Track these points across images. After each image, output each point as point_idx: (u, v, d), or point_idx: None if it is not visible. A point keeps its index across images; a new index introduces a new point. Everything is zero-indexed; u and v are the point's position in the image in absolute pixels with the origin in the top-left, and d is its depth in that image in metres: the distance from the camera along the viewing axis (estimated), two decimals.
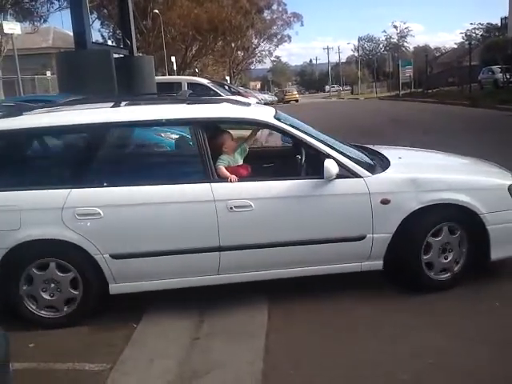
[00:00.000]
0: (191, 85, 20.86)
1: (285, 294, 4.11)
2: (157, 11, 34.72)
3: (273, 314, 3.88)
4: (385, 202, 3.89)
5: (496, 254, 4.08)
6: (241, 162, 4.25)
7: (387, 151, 4.79)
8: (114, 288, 3.84)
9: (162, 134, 9.13)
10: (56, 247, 3.73)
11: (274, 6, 54.13)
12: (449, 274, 4.10)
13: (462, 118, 17.19)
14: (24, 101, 8.76)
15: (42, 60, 31.75)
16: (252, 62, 64.36)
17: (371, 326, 3.66)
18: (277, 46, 61.57)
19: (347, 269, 4.04)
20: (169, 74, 31.64)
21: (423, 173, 4.17)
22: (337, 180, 3.83)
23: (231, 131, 4.40)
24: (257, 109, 4.43)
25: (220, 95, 20.68)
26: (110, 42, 34.43)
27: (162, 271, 3.86)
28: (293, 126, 4.12)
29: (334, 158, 3.87)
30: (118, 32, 34.06)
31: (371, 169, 4.06)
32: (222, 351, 3.45)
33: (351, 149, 4.58)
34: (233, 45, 50.81)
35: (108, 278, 3.80)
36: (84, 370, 3.28)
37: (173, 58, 34.84)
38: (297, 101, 52.64)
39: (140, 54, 16.81)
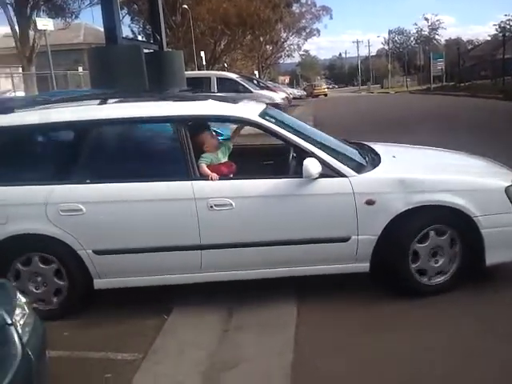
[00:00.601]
0: (220, 79, 20.97)
1: (314, 289, 4.10)
2: (186, 6, 34.86)
3: (301, 309, 3.88)
4: (370, 202, 3.75)
5: (491, 258, 3.87)
6: (224, 159, 4.18)
7: (384, 149, 4.61)
8: (98, 283, 3.90)
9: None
10: (41, 242, 3.80)
11: (303, 0, 53.81)
12: (445, 277, 3.94)
13: (499, 113, 16.81)
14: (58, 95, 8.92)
15: (73, 56, 32.27)
16: (281, 56, 64.24)
17: (398, 324, 3.63)
18: (305, 39, 61.37)
19: (333, 270, 3.94)
20: (198, 69, 31.77)
21: (413, 173, 3.99)
22: (320, 179, 3.74)
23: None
24: (242, 106, 4.28)
25: (249, 89, 20.78)
26: (140, 38, 34.72)
27: (144, 268, 3.89)
28: (278, 124, 4.03)
29: (317, 157, 3.77)
30: (147, 27, 34.34)
31: (358, 168, 3.93)
32: (251, 344, 3.48)
33: (344, 147, 4.50)
34: (261, 39, 50.70)
35: (92, 273, 3.85)
36: (117, 359, 3.36)
37: (202, 53, 34.99)
38: (326, 95, 52.32)
39: (170, 49, 16.91)
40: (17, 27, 24.58)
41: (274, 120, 4.13)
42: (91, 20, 56.06)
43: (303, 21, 57.03)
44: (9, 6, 24.63)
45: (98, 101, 4.23)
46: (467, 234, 3.86)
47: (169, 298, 4.07)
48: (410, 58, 70.25)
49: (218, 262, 3.89)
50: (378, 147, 4.72)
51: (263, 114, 4.11)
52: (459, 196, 3.80)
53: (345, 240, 3.82)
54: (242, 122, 4.24)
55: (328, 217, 3.81)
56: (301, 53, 70.59)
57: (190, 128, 3.96)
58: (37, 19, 15.54)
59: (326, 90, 56.49)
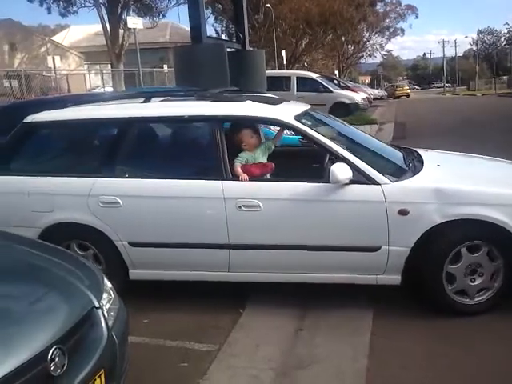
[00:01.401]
0: (300, 79, 20.97)
1: (388, 295, 3.98)
2: (269, 5, 35.09)
3: (377, 315, 3.79)
4: (403, 212, 3.56)
5: None
6: (263, 159, 4.11)
7: (433, 157, 4.41)
8: (133, 274, 4.05)
9: (271, 127, 9.28)
10: (82, 231, 4.01)
11: None
12: (488, 294, 3.69)
13: None
14: (143, 92, 9.27)
15: (159, 54, 33.42)
16: (362, 56, 63.16)
17: (477, 336, 3.48)
18: (389, 39, 60.04)
19: (362, 280, 3.80)
20: (278, 68, 31.89)
21: (455, 183, 3.73)
22: (351, 186, 3.62)
23: None
24: (280, 108, 4.21)
25: (329, 89, 20.63)
26: (223, 37, 35.35)
27: (176, 263, 3.96)
28: (314, 128, 3.95)
29: (349, 162, 3.64)
30: (230, 26, 34.93)
31: (393, 176, 3.74)
32: (325, 345, 3.45)
33: (387, 153, 4.36)
34: (343, 38, 50.13)
35: (128, 264, 4.00)
36: (193, 348, 3.44)
37: (283, 52, 35.10)
38: (408, 96, 50.96)
39: (252, 48, 17.08)
40: (108, 26, 25.80)
41: (310, 123, 4.07)
42: (177, 19, 57.75)
43: (387, 20, 55.85)
44: (101, 5, 25.92)
45: (142, 99, 4.36)
46: (508, 251, 3.58)
47: (244, 294, 4.12)
48: (499, 59, 66.86)
49: (245, 263, 3.90)
50: (428, 154, 4.52)
51: (300, 116, 4.04)
52: (499, 211, 3.52)
53: (375, 250, 3.67)
54: (275, 123, 4.22)
55: (357, 225, 3.67)
56: (383, 53, 68.95)
57: (226, 128, 4.01)
58: (127, 18, 16.19)
59: (409, 90, 54.96)
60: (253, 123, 4.20)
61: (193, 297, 4.11)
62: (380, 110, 27.26)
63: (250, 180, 3.84)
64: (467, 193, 3.62)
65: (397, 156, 4.37)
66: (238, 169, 3.90)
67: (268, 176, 4.04)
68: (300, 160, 4.53)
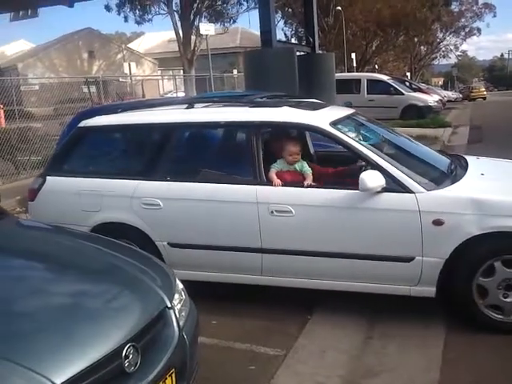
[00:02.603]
0: (371, 81, 20.63)
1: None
2: (339, 8, 34.78)
3: (451, 327, 3.66)
4: (438, 222, 3.44)
5: None
6: (301, 168, 4.07)
7: (479, 165, 4.24)
8: None
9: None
10: (125, 230, 4.15)
11: None
12: (502, 317, 3.49)
13: None
14: (214, 96, 9.44)
15: (229, 59, 33.97)
16: (435, 57, 61.18)
17: None
18: (464, 39, 57.74)
19: (394, 291, 3.70)
20: (348, 71, 31.53)
21: (494, 194, 3.55)
22: (383, 193, 3.55)
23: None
24: (316, 113, 4.15)
25: (401, 92, 20.16)
26: (292, 40, 35.37)
27: (212, 264, 4.02)
28: (350, 134, 3.91)
29: (382, 170, 3.58)
30: (300, 30, 34.88)
31: (430, 184, 3.61)
32: (395, 354, 3.38)
33: (429, 160, 4.26)
34: (416, 39, 48.79)
35: (166, 263, 3.98)
36: (260, 352, 3.46)
37: (353, 55, 34.66)
38: (484, 98, 48.81)
39: (321, 52, 17.01)
40: (180, 32, 26.50)
41: (348, 129, 4.03)
42: (247, 24, 58.44)
43: (462, 20, 53.77)
44: (175, 12, 26.67)
45: (185, 105, 4.49)
46: None
47: (312, 300, 4.09)
48: None
49: (277, 267, 3.91)
50: (476, 162, 4.35)
51: (337, 122, 4.01)
52: None
53: (408, 260, 3.56)
54: (309, 129, 4.22)
55: (390, 234, 3.59)
56: (458, 53, 66.44)
57: (263, 134, 4.08)
58: (200, 24, 16.56)
59: (485, 92, 52.68)
60: (287, 129, 4.26)
61: (260, 301, 4.12)
62: (454, 112, 26.30)
63: (283, 186, 3.86)
64: (505, 204, 3.46)
65: (440, 164, 4.24)
66: (273, 174, 3.95)
67: (307, 184, 3.94)
68: (338, 166, 4.52)
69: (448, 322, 3.74)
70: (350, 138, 3.85)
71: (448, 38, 56.43)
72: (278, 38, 13.19)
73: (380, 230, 3.61)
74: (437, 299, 3.66)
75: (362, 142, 3.89)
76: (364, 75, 22.64)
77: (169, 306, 2.46)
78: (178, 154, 4.42)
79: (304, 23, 17.01)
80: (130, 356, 2.09)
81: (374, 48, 43.28)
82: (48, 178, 4.53)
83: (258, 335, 3.66)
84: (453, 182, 3.73)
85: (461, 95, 48.58)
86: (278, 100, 4.69)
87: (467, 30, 55.44)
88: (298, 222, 3.76)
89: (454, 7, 50.85)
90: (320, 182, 4.01)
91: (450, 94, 42.86)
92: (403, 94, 20.20)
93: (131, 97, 18.01)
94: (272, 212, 3.79)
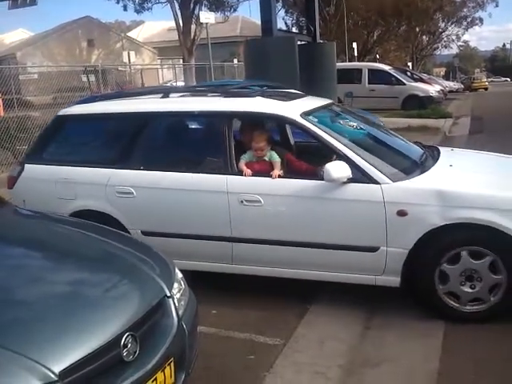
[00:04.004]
0: (372, 71, 20.54)
1: None
2: None
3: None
4: (402, 213, 3.47)
5: None
6: (271, 159, 4.03)
7: (449, 157, 4.25)
8: None
9: (341, 121, 9.16)
10: (100, 218, 4.06)
11: None
12: (482, 306, 3.51)
13: None
14: (215, 85, 9.40)
15: (229, 48, 33.74)
16: (437, 48, 60.80)
17: None
18: (466, 29, 57.23)
19: (360, 280, 3.74)
20: (349, 61, 31.37)
21: (457, 185, 3.57)
22: (349, 184, 3.59)
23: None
24: (287, 104, 4.15)
25: (402, 82, 20.08)
26: (293, 30, 35.18)
27: (184, 253, 4.00)
28: (320, 125, 3.90)
29: (350, 161, 3.60)
30: (301, 19, 34.66)
31: (397, 175, 3.64)
32: (394, 345, 3.37)
33: (400, 151, 4.32)
34: (417, 29, 48.47)
35: None
36: (259, 341, 3.46)
37: (354, 44, 34.47)
38: (486, 89, 48.66)
39: (322, 41, 16.91)
40: (180, 21, 26.34)
41: (319, 119, 4.03)
42: (248, 13, 58.12)
43: (464, 9, 53.35)
44: (175, 1, 26.50)
45: (160, 94, 4.50)
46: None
47: (311, 290, 4.08)
48: None
49: (247, 256, 3.95)
50: (449, 154, 4.41)
51: (309, 113, 4.01)
52: (505, 216, 3.34)
53: (373, 250, 3.60)
54: (280, 119, 4.23)
55: (355, 224, 3.63)
56: (459, 43, 66.03)
57: (234, 124, 4.12)
58: (200, 13, 16.45)
59: (487, 83, 52.48)
60: (258, 119, 4.25)
61: (260, 291, 4.11)
62: (456, 103, 26.22)
63: (253, 176, 3.89)
64: (469, 196, 3.47)
65: (410, 155, 4.26)
66: (242, 164, 3.97)
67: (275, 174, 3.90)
68: (308, 156, 4.50)
69: None
70: (319, 128, 3.86)
71: (450, 28, 56.05)
72: (278, 27, 13.09)
73: (346, 220, 3.66)
74: (402, 289, 3.69)
75: (331, 133, 3.88)
76: (365, 65, 22.55)
77: (168, 295, 2.45)
78: (151, 142, 4.44)
79: (305, 12, 16.91)
80: (129, 345, 2.09)
81: (375, 38, 43.04)
82: (26, 165, 4.58)
83: (258, 325, 3.66)
84: (420, 173, 3.75)
85: (462, 86, 48.43)
86: (252, 90, 4.69)
87: (469, 19, 55.02)
88: (266, 211, 3.82)
89: None
90: (294, 172, 4.02)
91: (452, 85, 42.70)
92: (404, 84, 20.11)
93: (130, 86, 17.93)
94: (242, 201, 3.85)
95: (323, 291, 4.07)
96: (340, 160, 3.63)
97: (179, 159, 4.31)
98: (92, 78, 15.67)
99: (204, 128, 4.62)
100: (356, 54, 34.82)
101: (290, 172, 3.99)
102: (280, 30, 13.90)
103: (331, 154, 3.78)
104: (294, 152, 4.61)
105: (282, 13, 37.76)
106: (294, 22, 39.63)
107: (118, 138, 4.63)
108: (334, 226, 3.70)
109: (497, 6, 54.85)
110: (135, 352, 2.12)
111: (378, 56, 42.42)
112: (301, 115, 3.92)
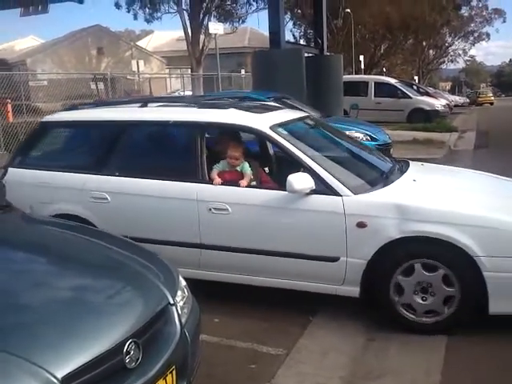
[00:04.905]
0: (378, 84, 20.61)
1: None
2: (348, 10, 34.73)
3: (454, 332, 3.61)
4: (361, 225, 3.58)
5: (496, 307, 3.41)
6: (243, 170, 4.14)
7: (416, 172, 4.34)
8: None
9: (347, 133, 9.20)
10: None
11: (474, 2, 50.47)
12: (437, 318, 3.56)
13: None
14: (222, 96, 9.46)
15: (237, 59, 33.93)
16: (443, 62, 61.01)
17: None
18: (473, 44, 57.57)
19: (322, 289, 3.84)
20: (356, 74, 31.48)
21: (415, 200, 3.66)
22: (312, 196, 3.69)
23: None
24: (258, 116, 4.28)
25: (408, 95, 20.14)
26: (301, 42, 35.34)
27: None
28: (289, 138, 4.01)
29: (314, 173, 3.71)
30: (308, 32, 34.86)
31: (359, 188, 3.74)
32: (397, 357, 3.37)
33: (367, 164, 4.46)
34: (424, 43, 48.69)
35: None
36: (262, 351, 3.45)
37: (361, 57, 34.62)
38: (491, 103, 48.67)
39: (329, 54, 16.99)
40: (189, 31, 26.52)
41: (288, 132, 4.14)
42: (256, 25, 58.41)
43: (472, 24, 53.58)
44: (184, 11, 26.69)
45: (139, 104, 4.70)
46: (467, 275, 3.44)
47: (314, 301, 4.07)
48: None
49: (214, 263, 4.03)
50: (416, 169, 4.48)
51: (278, 126, 4.11)
52: (460, 231, 3.42)
53: (334, 260, 3.70)
54: (250, 131, 4.25)
55: (317, 234, 3.73)
56: (466, 58, 66.20)
57: (209, 134, 4.27)
58: (209, 23, 16.59)
59: (492, 98, 52.48)
60: (229, 130, 4.36)
61: (262, 301, 4.11)
62: (461, 117, 26.23)
63: (223, 185, 4.00)
64: (426, 210, 3.56)
65: (377, 169, 4.37)
66: (214, 174, 4.09)
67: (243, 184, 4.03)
68: (277, 167, 4.63)
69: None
70: (286, 141, 3.96)
71: (457, 43, 56.33)
72: (286, 38, 13.20)
73: (308, 230, 3.75)
74: (361, 300, 3.77)
75: (298, 145, 3.97)
76: (371, 78, 22.65)
77: (171, 302, 2.46)
78: (127, 150, 4.57)
79: (313, 25, 17.05)
80: (132, 352, 2.09)
81: (382, 51, 43.23)
82: (10, 169, 4.66)
83: (260, 335, 3.66)
84: (382, 187, 3.84)
85: (468, 100, 48.46)
86: (227, 102, 4.85)
87: (476, 34, 55.30)
88: (233, 219, 3.92)
89: (464, 12, 50.71)
90: (266, 182, 4.20)
91: (457, 99, 42.74)
92: (410, 98, 20.16)
93: (138, 94, 18.05)
94: (210, 209, 3.94)
95: (326, 302, 4.05)
96: (305, 172, 3.74)
97: (153, 167, 4.41)
98: (101, 85, 15.80)
99: (178, 137, 4.72)
100: (363, 66, 34.96)
101: (262, 183, 4.16)
102: (288, 41, 14.01)
103: (298, 165, 3.88)
104: (272, 163, 4.77)
105: (290, 25, 37.98)
106: (301, 34, 39.86)
107: (95, 145, 4.84)
108: (297, 236, 3.80)
109: (504, 21, 55.15)
110: (138, 359, 2.12)
111: (384, 69, 42.60)
112: (270, 127, 4.03)
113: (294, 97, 10.24)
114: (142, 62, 23.95)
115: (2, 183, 3.41)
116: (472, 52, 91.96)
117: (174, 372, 2.29)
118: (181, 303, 2.55)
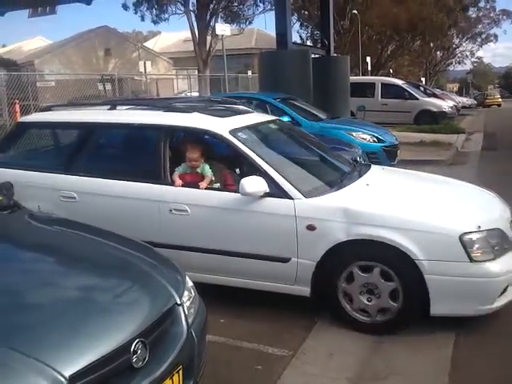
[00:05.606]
0: (385, 85, 20.55)
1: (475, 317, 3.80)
2: (355, 12, 34.68)
3: (461, 331, 3.64)
4: (310, 227, 3.71)
5: (436, 308, 3.52)
6: (204, 171, 4.24)
7: (371, 176, 4.43)
8: None
9: (354, 134, 9.19)
10: None
11: (481, 3, 50.28)
12: (390, 316, 3.65)
13: None
14: (228, 97, 9.48)
15: (244, 60, 33.93)
16: (451, 63, 60.81)
17: None
18: (480, 45, 57.37)
19: (275, 289, 3.95)
20: (362, 75, 31.43)
21: (362, 204, 3.78)
22: (266, 198, 3.81)
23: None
24: (220, 120, 4.35)
25: (415, 96, 20.07)
26: (308, 43, 35.32)
27: None
28: (247, 142, 4.11)
29: (268, 177, 3.82)
30: (315, 33, 34.83)
31: (310, 191, 3.84)
32: (403, 358, 3.36)
33: (324, 168, 4.63)
34: (431, 44, 48.54)
35: None
36: (267, 352, 3.46)
37: (368, 59, 34.55)
38: (499, 105, 48.48)
39: (336, 55, 16.97)
40: (196, 32, 26.58)
41: (247, 136, 4.25)
42: (263, 26, 58.43)
43: (479, 26, 53.39)
44: (191, 12, 26.75)
45: (108, 106, 4.83)
46: (410, 279, 3.54)
47: (319, 303, 4.07)
48: None
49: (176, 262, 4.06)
50: (373, 172, 4.57)
51: (238, 130, 4.21)
52: (402, 235, 3.53)
53: (285, 261, 3.82)
54: (210, 135, 4.33)
55: (270, 236, 3.84)
56: (473, 60, 65.98)
57: (172, 137, 4.37)
58: (216, 25, 16.61)
59: (500, 100, 52.26)
60: (191, 133, 4.44)
61: (266, 302, 4.10)
62: (469, 118, 26.12)
63: (183, 187, 4.10)
64: (370, 214, 3.66)
65: (333, 173, 4.53)
66: (175, 176, 4.18)
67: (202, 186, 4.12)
68: (246, 170, 4.61)
69: (457, 326, 3.71)
70: (243, 145, 4.05)
71: (464, 44, 56.13)
72: (293, 40, 13.20)
73: (261, 231, 3.87)
74: (312, 299, 3.87)
75: (255, 150, 4.06)
76: (378, 79, 22.57)
77: (178, 302, 2.46)
78: (94, 151, 4.71)
79: (320, 26, 17.03)
80: (139, 351, 2.10)
81: (389, 52, 43.14)
82: None
83: (266, 335, 3.66)
84: (335, 191, 3.95)
85: (475, 102, 48.27)
86: (190, 105, 4.92)
87: (484, 36, 55.09)
88: (192, 220, 4.03)
89: (472, 13, 50.59)
90: (230, 185, 4.24)
91: (465, 101, 42.56)
92: (417, 99, 20.10)
93: (146, 95, 18.09)
94: (171, 210, 4.05)
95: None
96: (260, 175, 3.84)
97: (118, 168, 4.53)
98: (108, 86, 15.85)
99: (142, 140, 4.82)
100: (370, 68, 34.88)
101: (226, 185, 4.24)
102: (295, 42, 14.01)
103: (254, 169, 3.98)
104: (242, 165, 4.75)
105: (296, 26, 37.99)
106: (308, 35, 39.82)
107: (65, 145, 5.06)
108: (251, 237, 3.91)
109: None
110: (144, 358, 2.12)
111: (391, 70, 42.48)
112: (230, 131, 4.13)
113: (300, 98, 10.26)
114: (149, 63, 23.98)
115: (10, 183, 3.43)
116: (479, 53, 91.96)
117: (180, 372, 2.30)
118: (187, 303, 2.56)
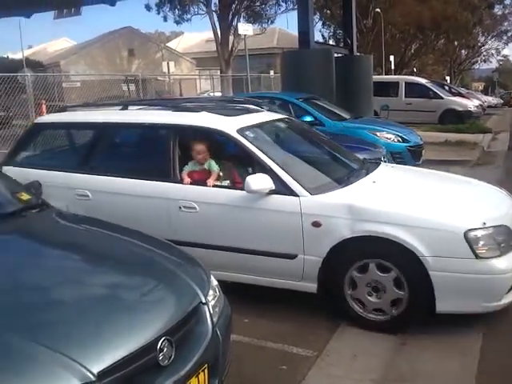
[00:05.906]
0: (409, 84, 20.34)
1: (501, 316, 3.73)
2: (378, 10, 34.40)
3: (488, 335, 3.58)
4: (316, 224, 3.73)
5: (442, 306, 3.51)
6: (211, 169, 4.30)
7: (379, 173, 4.45)
8: None
9: (378, 134, 9.11)
10: None
11: (507, 1, 49.36)
12: (386, 317, 3.67)
13: None
14: (251, 97, 9.49)
15: (266, 60, 33.96)
16: (476, 62, 59.86)
17: None
18: (506, 43, 56.30)
19: (283, 285, 3.98)
20: (385, 74, 31.16)
21: (369, 201, 3.79)
22: (272, 195, 3.84)
23: None
24: (227, 119, 4.37)
25: (440, 95, 19.82)
26: (330, 42, 35.16)
27: None
28: (255, 141, 4.13)
29: (274, 174, 3.85)
30: (338, 32, 34.65)
31: (316, 189, 3.86)
32: (430, 361, 3.32)
33: (333, 166, 4.63)
34: (456, 43, 47.85)
35: None
36: (292, 352, 3.45)
37: (391, 57, 34.23)
38: None
39: (359, 54, 16.85)
40: (219, 32, 26.68)
41: (254, 135, 4.28)
42: (285, 25, 58.34)
43: (505, 23, 52.42)
44: (213, 12, 26.87)
45: (120, 106, 4.93)
46: (415, 276, 3.54)
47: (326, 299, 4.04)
48: None
49: None
50: (381, 170, 4.56)
51: (246, 129, 4.25)
52: (407, 232, 3.53)
53: (292, 257, 3.85)
54: (218, 134, 4.37)
55: (276, 232, 3.88)
56: (499, 58, 64.86)
57: (179, 136, 4.36)
58: (238, 25, 16.62)
59: None
60: (200, 132, 4.47)
61: (289, 303, 4.09)
62: (495, 118, 25.68)
63: (192, 184, 4.18)
64: (375, 211, 3.67)
65: (341, 170, 4.53)
66: (184, 173, 4.27)
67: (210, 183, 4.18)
68: (244, 168, 4.66)
69: (485, 330, 3.66)
70: (250, 143, 4.09)
71: (490, 42, 55.18)
72: (315, 39, 13.16)
73: (268, 228, 3.91)
74: (318, 295, 3.88)
75: (262, 148, 4.09)
76: (402, 78, 22.32)
77: (203, 301, 2.48)
78: (106, 150, 4.82)
79: (342, 25, 16.92)
80: (165, 349, 2.12)
81: (412, 51, 42.65)
82: (4, 167, 4.84)
83: (290, 336, 3.65)
84: (341, 188, 3.97)
85: (501, 101, 47.46)
86: (200, 105, 4.95)
87: (510, 34, 54.07)
88: (201, 217, 4.08)
89: (497, 10, 49.67)
90: (239, 183, 4.26)
91: (491, 100, 41.85)
92: (442, 98, 19.83)
93: (169, 95, 18.21)
94: (180, 208, 4.11)
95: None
96: (266, 173, 3.87)
97: (128, 166, 4.60)
98: (132, 87, 15.99)
99: (152, 139, 4.88)
100: (393, 67, 34.55)
101: (235, 183, 4.28)
102: (317, 42, 13.97)
103: (260, 167, 4.01)
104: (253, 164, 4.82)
105: (319, 25, 37.85)
106: (331, 34, 39.62)
107: (79, 145, 5.16)
108: (258, 234, 3.95)
109: None
110: (170, 356, 2.14)
111: (415, 69, 42.03)
112: (237, 130, 4.17)
113: (323, 97, 10.21)
114: (172, 64, 24.17)
115: (39, 182, 3.48)
116: (505, 51, 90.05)
117: (206, 370, 2.31)
118: (212, 302, 2.57)
